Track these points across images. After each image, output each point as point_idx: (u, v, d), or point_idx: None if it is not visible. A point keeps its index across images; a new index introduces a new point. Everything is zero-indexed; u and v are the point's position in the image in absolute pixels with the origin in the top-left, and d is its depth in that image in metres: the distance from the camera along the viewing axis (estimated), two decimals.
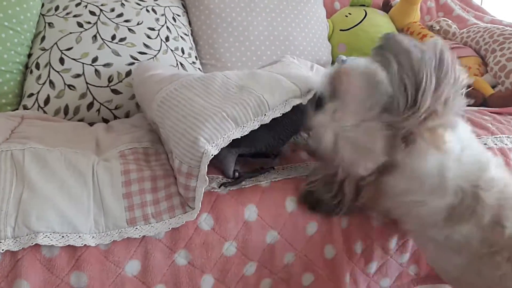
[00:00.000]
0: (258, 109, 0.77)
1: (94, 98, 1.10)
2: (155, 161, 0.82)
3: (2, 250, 0.64)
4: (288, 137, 0.88)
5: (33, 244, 0.65)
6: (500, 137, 1.09)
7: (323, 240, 0.86)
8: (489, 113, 1.22)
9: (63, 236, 0.67)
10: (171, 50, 1.24)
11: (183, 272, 0.77)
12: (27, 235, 0.65)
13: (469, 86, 1.38)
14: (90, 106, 1.10)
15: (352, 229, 0.88)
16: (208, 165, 0.85)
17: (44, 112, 1.06)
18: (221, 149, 0.74)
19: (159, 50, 1.21)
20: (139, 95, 0.97)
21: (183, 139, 0.72)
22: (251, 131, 0.76)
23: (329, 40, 1.61)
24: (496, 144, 1.07)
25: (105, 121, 1.10)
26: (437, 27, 1.68)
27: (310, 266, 0.86)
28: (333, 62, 1.57)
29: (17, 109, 1.08)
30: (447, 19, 1.72)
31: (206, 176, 0.72)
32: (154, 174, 0.78)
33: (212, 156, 0.72)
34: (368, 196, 0.75)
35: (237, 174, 0.84)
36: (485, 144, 1.06)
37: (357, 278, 0.91)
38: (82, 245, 0.68)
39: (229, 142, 0.74)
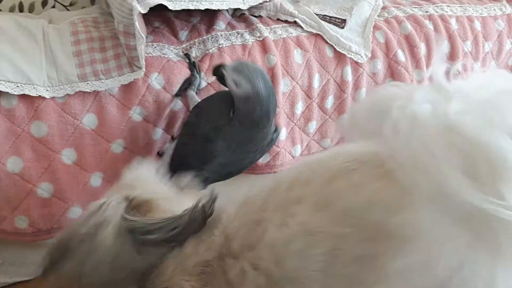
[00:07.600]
0: None
1: None
2: (104, 27, 0.86)
3: None
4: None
5: None
6: (440, 5, 1.15)
7: None
8: None
9: (18, 86, 0.72)
10: None
11: (139, 127, 0.84)
12: None
13: None
14: (44, 3, 1.12)
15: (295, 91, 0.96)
16: (158, 34, 0.91)
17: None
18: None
19: None
20: None
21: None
22: None
23: None
24: (437, 11, 1.13)
25: None
26: None
27: None
28: None
29: None
30: None
31: (141, 33, 0.76)
32: (102, 35, 0.83)
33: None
34: None
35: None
36: (426, 12, 1.12)
37: (294, 136, 0.99)
38: (37, 95, 0.74)
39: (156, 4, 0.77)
